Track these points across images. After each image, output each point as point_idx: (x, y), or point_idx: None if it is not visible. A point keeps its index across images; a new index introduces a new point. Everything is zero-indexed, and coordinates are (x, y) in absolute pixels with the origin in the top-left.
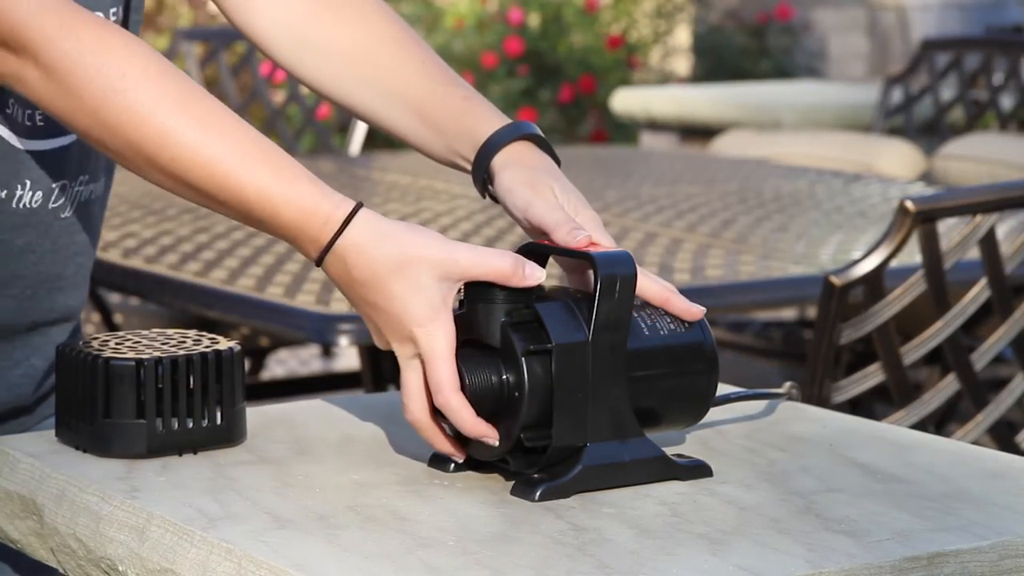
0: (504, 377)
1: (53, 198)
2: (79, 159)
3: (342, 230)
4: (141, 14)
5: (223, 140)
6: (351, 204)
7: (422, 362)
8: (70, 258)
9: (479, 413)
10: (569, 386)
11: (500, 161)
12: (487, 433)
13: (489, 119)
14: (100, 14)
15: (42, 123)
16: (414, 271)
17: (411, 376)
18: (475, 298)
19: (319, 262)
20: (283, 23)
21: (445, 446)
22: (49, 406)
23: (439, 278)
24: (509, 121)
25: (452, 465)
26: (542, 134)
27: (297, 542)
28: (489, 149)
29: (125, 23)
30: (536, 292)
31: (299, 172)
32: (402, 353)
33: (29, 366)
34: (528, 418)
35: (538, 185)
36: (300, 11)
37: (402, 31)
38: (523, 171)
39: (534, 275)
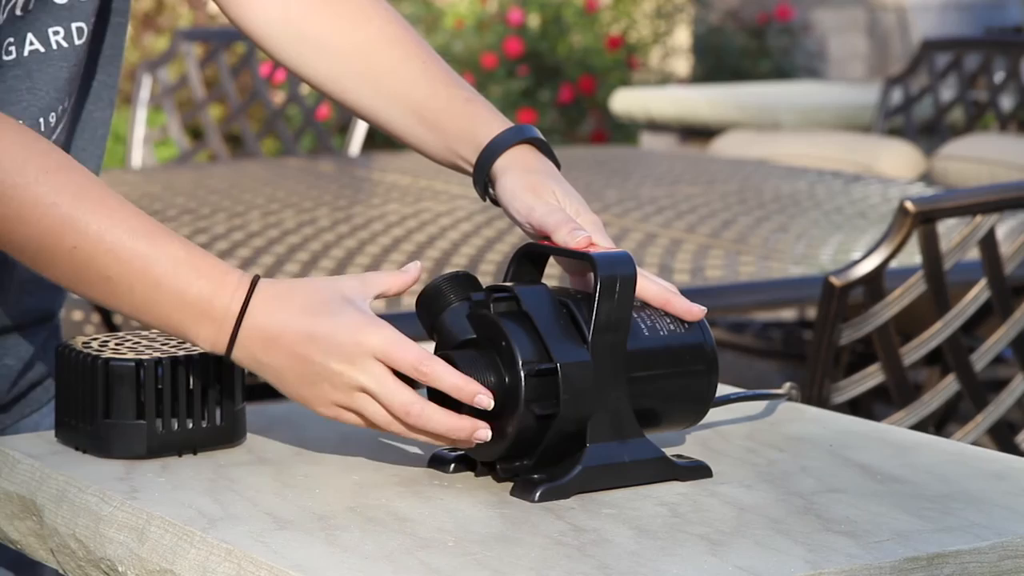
0: (504, 378)
1: None
2: None
3: (252, 292)
4: (126, 16)
5: (126, 224)
6: (252, 275)
7: (379, 364)
8: None
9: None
10: (572, 399)
11: (502, 165)
12: (480, 390)
13: (491, 122)
14: (82, 24)
15: None
16: (326, 302)
17: (385, 381)
18: (447, 303)
19: (234, 333)
20: (282, 20)
21: (466, 422)
22: (27, 405)
23: (347, 303)
24: (511, 124)
25: (452, 466)
26: (543, 138)
27: (297, 542)
28: (491, 152)
29: (104, 27)
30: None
31: (205, 251)
32: (358, 368)
33: (2, 366)
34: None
35: (540, 188)
36: (299, 8)
37: (403, 30)
38: (525, 175)
39: (413, 269)
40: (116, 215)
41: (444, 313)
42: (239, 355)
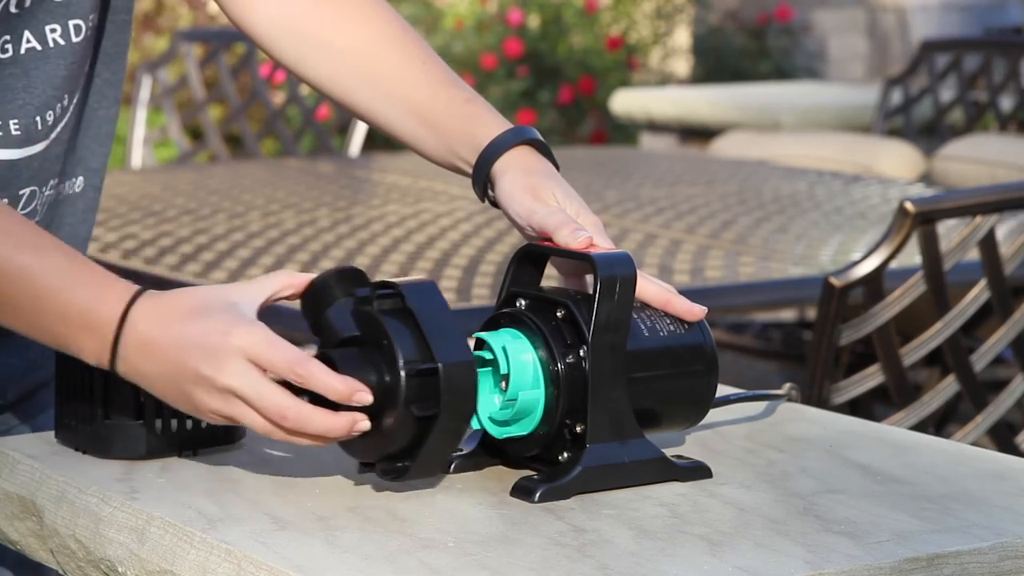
0: (384, 377)
1: (22, 204)
2: (51, 165)
3: (132, 302)
4: (130, 14)
5: (10, 237)
6: (137, 286)
7: (251, 367)
8: None
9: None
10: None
11: (501, 166)
12: (358, 387)
13: (490, 123)
14: (80, 22)
15: (17, 132)
16: (203, 308)
17: (259, 386)
18: (332, 299)
19: (115, 342)
20: (282, 20)
21: (343, 419)
22: (34, 406)
23: (228, 306)
24: (510, 125)
25: (452, 466)
26: (542, 139)
27: (297, 543)
28: (491, 153)
29: (102, 26)
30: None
31: (92, 263)
32: (232, 369)
33: (4, 365)
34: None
35: (540, 189)
36: (299, 8)
37: (403, 31)
38: (525, 176)
39: (302, 278)
40: (1, 229)
41: (328, 310)
42: (122, 368)
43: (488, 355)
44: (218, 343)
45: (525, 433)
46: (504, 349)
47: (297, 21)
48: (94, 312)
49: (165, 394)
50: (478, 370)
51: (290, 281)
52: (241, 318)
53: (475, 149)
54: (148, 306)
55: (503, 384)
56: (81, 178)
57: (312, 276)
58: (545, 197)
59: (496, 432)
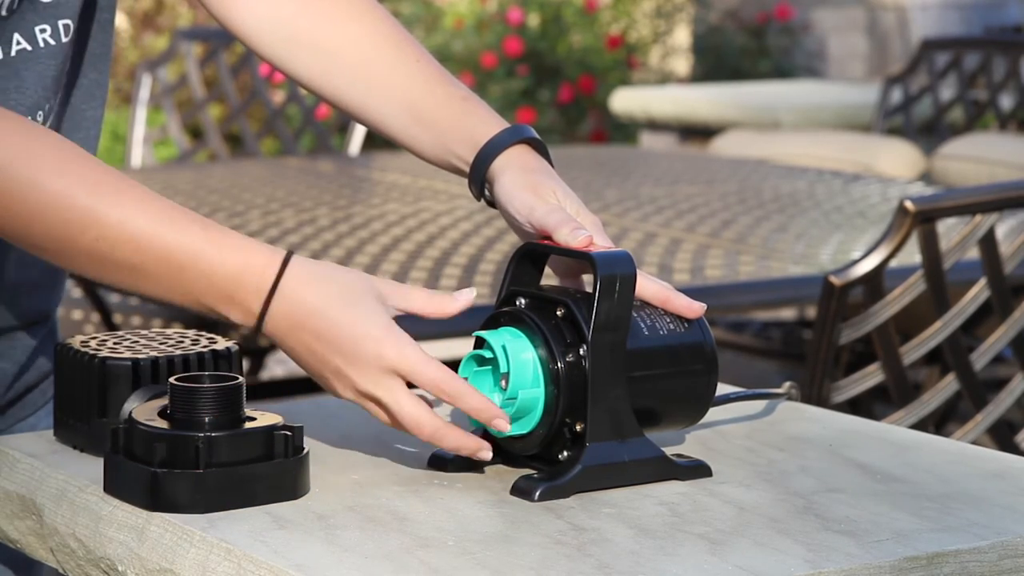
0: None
1: None
2: None
3: (283, 272)
4: (113, 13)
5: (146, 211)
6: (283, 251)
7: (399, 376)
8: (34, 263)
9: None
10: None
11: (500, 164)
12: (499, 415)
13: (488, 121)
14: (68, 21)
15: None
16: (358, 298)
17: (400, 393)
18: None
19: (262, 314)
20: (271, 19)
21: (472, 441)
22: (24, 408)
23: (381, 306)
24: (507, 124)
25: (452, 464)
26: (540, 138)
27: (297, 542)
28: (489, 152)
29: (91, 24)
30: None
31: (227, 230)
32: (374, 377)
33: None
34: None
35: (540, 188)
36: (288, 7)
37: (395, 28)
38: (524, 174)
39: (463, 298)
40: (135, 203)
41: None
42: (267, 337)
43: (488, 354)
44: (368, 351)
45: (525, 432)
46: (504, 348)
47: (287, 19)
48: (241, 281)
49: (304, 367)
50: (477, 369)
51: (431, 305)
52: (392, 327)
53: (473, 147)
54: (298, 283)
55: (503, 383)
56: None
57: (449, 307)
58: (545, 195)
59: (499, 435)
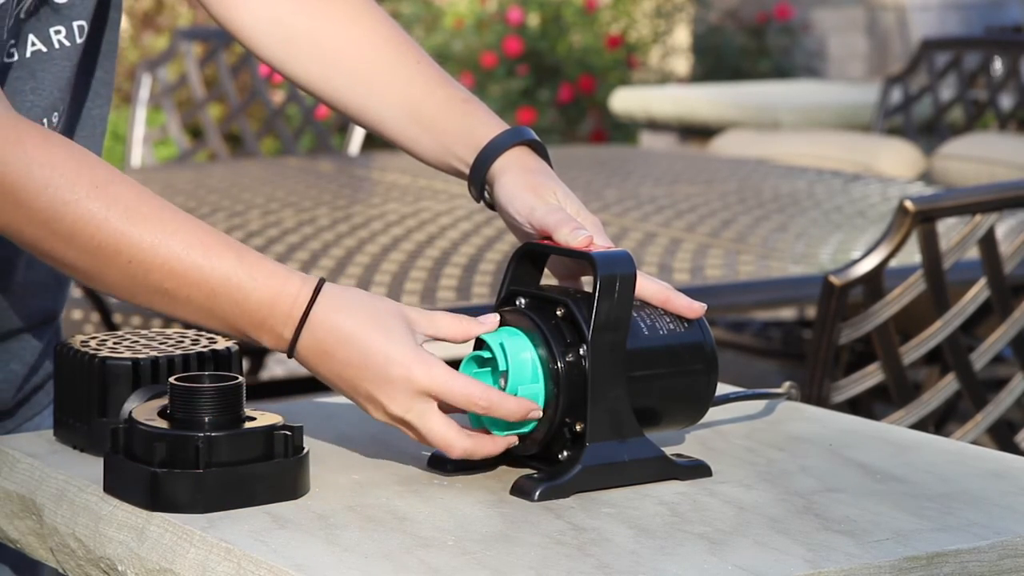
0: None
1: None
2: None
3: (314, 300)
4: (120, 11)
5: (180, 236)
6: (316, 279)
7: (431, 398)
8: (41, 264)
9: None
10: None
11: (501, 165)
12: (532, 407)
13: (488, 123)
14: (83, 23)
15: None
16: (387, 325)
17: (431, 417)
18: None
19: (293, 341)
20: (269, 19)
21: (503, 443)
22: (31, 408)
23: (409, 331)
24: (508, 125)
25: (451, 465)
26: (539, 139)
27: (296, 542)
28: (489, 153)
29: (102, 23)
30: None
31: (261, 256)
32: (405, 403)
33: (8, 371)
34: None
35: (540, 188)
36: (287, 7)
37: (395, 31)
38: (525, 175)
39: (488, 321)
40: (169, 227)
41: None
42: (300, 360)
43: (487, 354)
44: (398, 376)
45: (527, 430)
46: (502, 346)
47: (285, 20)
48: (273, 308)
49: (338, 391)
50: (477, 370)
51: (458, 329)
52: (420, 351)
53: (473, 149)
54: (328, 311)
55: (502, 381)
56: None
57: (476, 329)
58: (545, 196)
59: (499, 431)
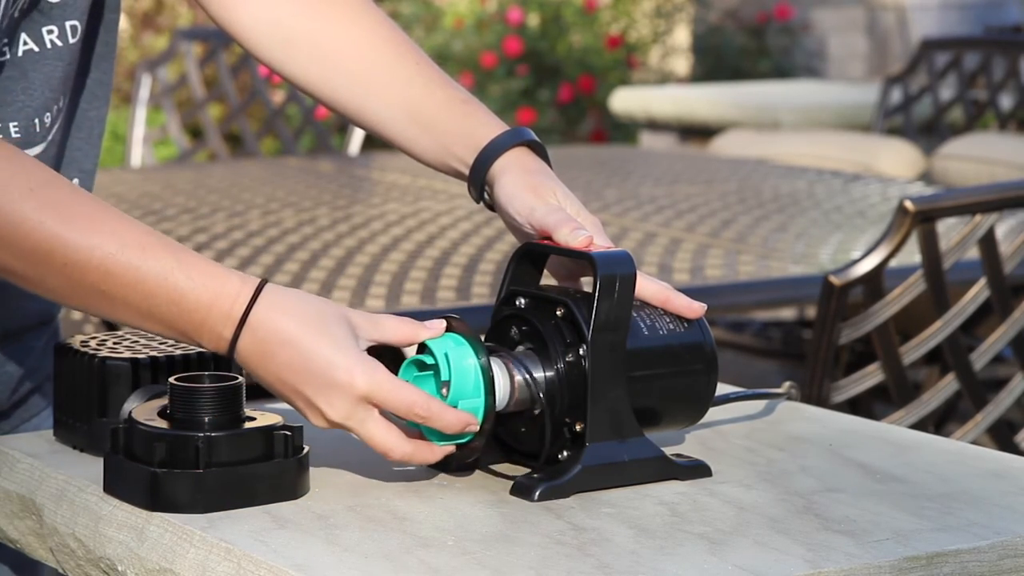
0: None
1: None
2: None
3: (255, 300)
4: (118, 12)
5: (115, 237)
6: (257, 279)
7: (371, 404)
8: None
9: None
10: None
11: (501, 165)
12: (470, 421)
13: (488, 123)
14: (76, 23)
15: (17, 134)
16: (329, 328)
17: (371, 423)
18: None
19: (233, 341)
20: (268, 21)
21: (441, 452)
22: (28, 409)
23: (352, 335)
24: (507, 126)
25: (452, 464)
26: (539, 140)
27: (296, 542)
28: (489, 153)
29: (97, 24)
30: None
31: (200, 256)
32: (345, 409)
33: (3, 373)
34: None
35: (540, 188)
36: (286, 8)
37: (393, 31)
38: (525, 175)
39: (434, 327)
40: (104, 228)
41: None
42: (239, 361)
43: (429, 359)
44: (340, 381)
45: (463, 441)
46: (446, 356)
47: (285, 21)
48: (212, 309)
49: (276, 394)
50: (418, 374)
51: (404, 332)
52: (362, 356)
53: (473, 149)
54: (269, 312)
55: (444, 391)
56: (76, 180)
57: (421, 333)
58: (545, 196)
59: (437, 440)
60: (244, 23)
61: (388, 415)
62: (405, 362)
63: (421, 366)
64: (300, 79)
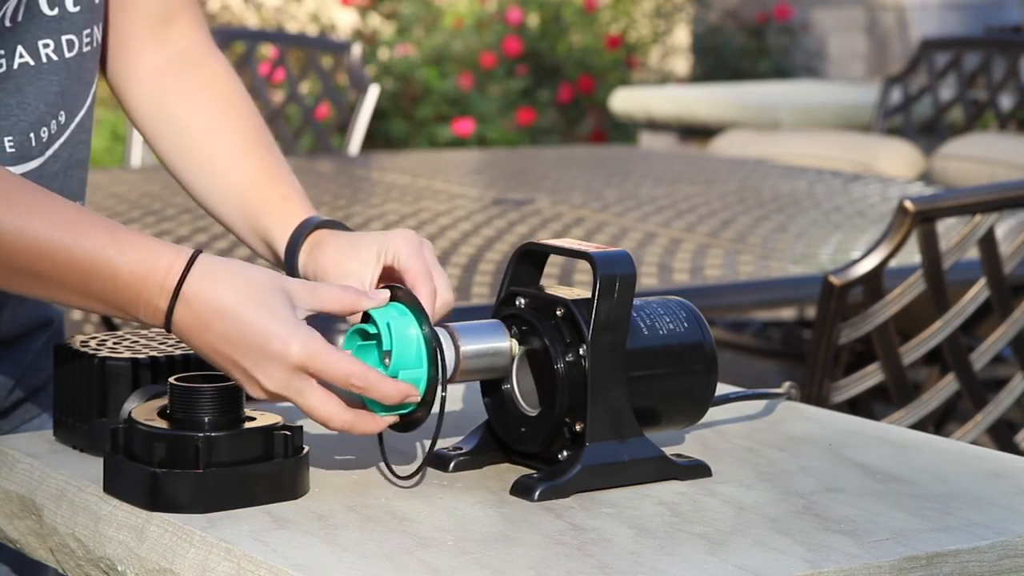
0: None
1: None
2: (47, 183)
3: (188, 270)
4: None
5: (48, 218)
6: (191, 250)
7: (309, 374)
8: None
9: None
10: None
11: (308, 249)
12: (410, 392)
13: (297, 217)
14: (72, 37)
15: (12, 149)
16: (265, 297)
17: (309, 393)
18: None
19: (169, 312)
20: (149, 95)
21: (383, 423)
22: (28, 410)
23: (289, 305)
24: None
25: (452, 464)
26: (330, 219)
27: (296, 542)
28: (293, 247)
29: (105, 37)
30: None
31: (133, 232)
32: (283, 379)
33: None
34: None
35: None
36: (167, 87)
37: (247, 117)
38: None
39: (377, 296)
40: (37, 210)
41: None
42: (176, 334)
43: (372, 328)
44: (275, 351)
45: (406, 412)
46: (388, 326)
47: (162, 96)
48: (144, 286)
49: (216, 365)
50: (361, 343)
51: (344, 301)
52: (299, 326)
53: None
54: (203, 283)
55: (387, 360)
56: (79, 176)
57: (362, 303)
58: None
59: (379, 410)
60: (132, 98)
61: (332, 385)
62: (349, 330)
63: (365, 335)
64: (183, 179)
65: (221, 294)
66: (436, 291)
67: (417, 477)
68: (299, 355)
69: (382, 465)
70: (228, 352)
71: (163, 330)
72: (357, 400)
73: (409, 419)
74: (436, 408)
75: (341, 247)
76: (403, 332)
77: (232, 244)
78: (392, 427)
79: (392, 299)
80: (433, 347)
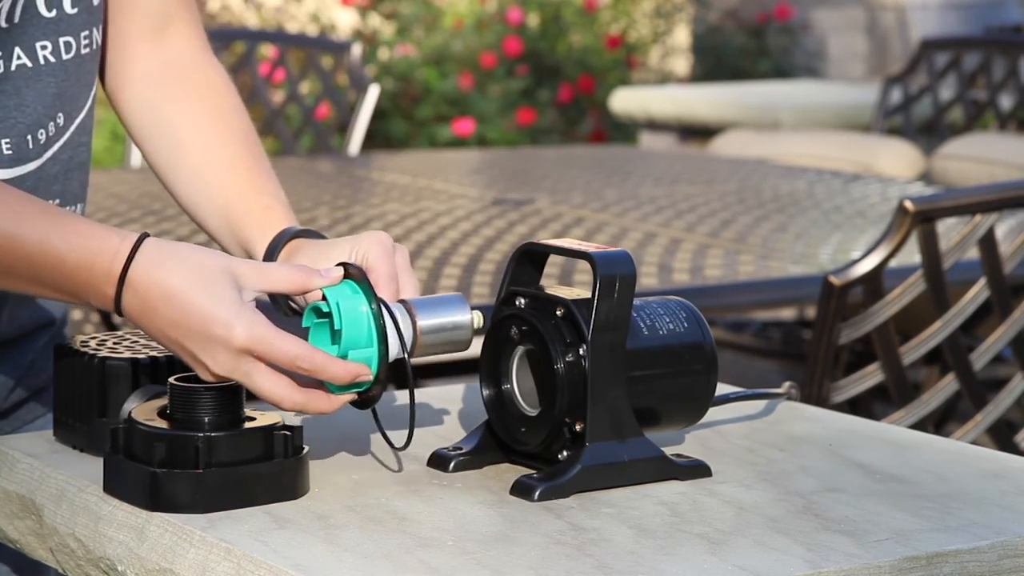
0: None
1: None
2: (47, 185)
3: (133, 256)
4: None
5: None
6: (136, 234)
7: (256, 357)
8: None
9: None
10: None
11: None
12: (360, 371)
13: (278, 227)
14: (69, 39)
15: (9, 151)
16: (210, 281)
17: (257, 375)
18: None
19: (117, 298)
20: (145, 103)
21: (338, 402)
22: (29, 411)
23: (234, 287)
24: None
25: (452, 464)
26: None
27: (296, 542)
28: (270, 256)
29: (104, 39)
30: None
31: (78, 218)
32: (229, 363)
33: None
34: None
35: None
36: (162, 93)
37: (240, 132)
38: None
39: (330, 274)
40: None
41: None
42: (127, 318)
43: (326, 307)
44: (219, 336)
45: (361, 390)
46: (338, 305)
47: (156, 106)
48: (91, 273)
49: (167, 348)
50: (317, 321)
51: (294, 280)
52: (243, 308)
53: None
54: (150, 267)
55: (339, 340)
56: (81, 178)
57: (313, 281)
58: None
59: (334, 389)
60: (125, 104)
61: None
62: (307, 307)
63: (319, 313)
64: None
65: (166, 279)
66: (399, 293)
67: (407, 442)
68: (242, 338)
69: (378, 435)
70: (175, 336)
71: None
72: (313, 380)
73: (366, 396)
74: (409, 387)
75: (315, 253)
76: (354, 311)
77: None
78: (352, 404)
79: (345, 276)
80: (382, 324)
